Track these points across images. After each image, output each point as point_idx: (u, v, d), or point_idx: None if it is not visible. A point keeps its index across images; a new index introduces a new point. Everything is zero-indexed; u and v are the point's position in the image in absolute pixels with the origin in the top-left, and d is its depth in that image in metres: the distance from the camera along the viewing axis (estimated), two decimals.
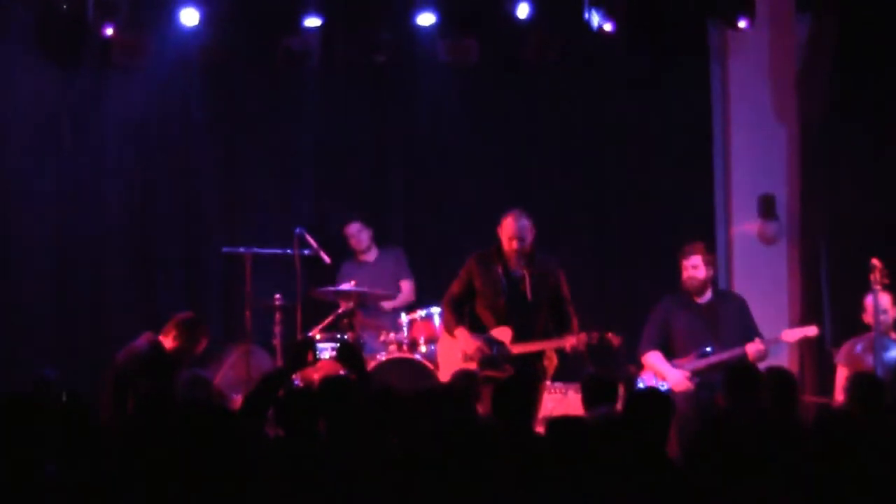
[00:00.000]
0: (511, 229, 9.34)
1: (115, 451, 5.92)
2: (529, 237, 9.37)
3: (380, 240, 11.53)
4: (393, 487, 5.83)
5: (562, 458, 5.78)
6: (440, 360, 9.79)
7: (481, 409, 7.68)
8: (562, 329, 9.34)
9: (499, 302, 9.40)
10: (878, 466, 5.74)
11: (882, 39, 11.37)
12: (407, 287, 11.39)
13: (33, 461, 5.64)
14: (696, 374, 9.28)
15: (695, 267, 9.53)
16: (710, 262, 9.68)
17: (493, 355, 9.23)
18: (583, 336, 9.14)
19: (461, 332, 9.42)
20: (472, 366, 9.12)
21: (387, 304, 11.23)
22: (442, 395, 7.15)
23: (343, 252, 11.43)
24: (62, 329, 11.32)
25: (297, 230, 10.80)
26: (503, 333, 9.30)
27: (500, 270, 9.39)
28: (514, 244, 9.33)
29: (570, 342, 9.16)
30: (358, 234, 11.37)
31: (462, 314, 9.54)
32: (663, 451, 6.11)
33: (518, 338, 9.29)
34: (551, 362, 9.39)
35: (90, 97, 11.45)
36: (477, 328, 9.44)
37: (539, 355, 9.31)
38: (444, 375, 9.37)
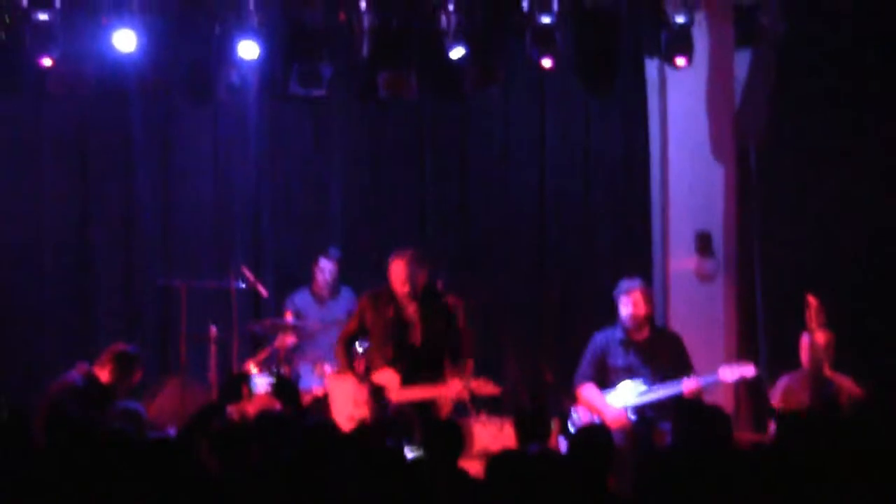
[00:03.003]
0: (402, 274, 9.26)
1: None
2: (420, 280, 9.27)
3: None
4: None
5: (503, 494, 5.72)
6: (331, 397, 9.65)
7: None
8: (455, 368, 9.22)
9: (387, 345, 9.30)
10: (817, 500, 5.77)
11: (818, 77, 11.46)
12: None
13: None
14: (633, 410, 9.26)
15: (635, 304, 9.49)
16: (650, 299, 9.66)
17: (382, 408, 9.08)
18: (460, 385, 9.01)
19: (350, 379, 9.36)
20: (363, 412, 9.04)
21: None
22: (376, 430, 7.11)
23: (286, 283, 11.36)
24: None
25: (234, 262, 10.74)
26: (390, 378, 9.20)
27: (390, 313, 9.30)
28: (406, 288, 9.27)
29: (453, 390, 9.05)
30: (330, 274, 11.19)
31: (354, 354, 9.50)
32: (605, 486, 6.10)
33: (406, 382, 9.16)
34: (446, 402, 9.23)
35: (28, 124, 11.33)
36: (372, 365, 9.37)
37: (431, 403, 9.17)
38: (337, 413, 9.30)
